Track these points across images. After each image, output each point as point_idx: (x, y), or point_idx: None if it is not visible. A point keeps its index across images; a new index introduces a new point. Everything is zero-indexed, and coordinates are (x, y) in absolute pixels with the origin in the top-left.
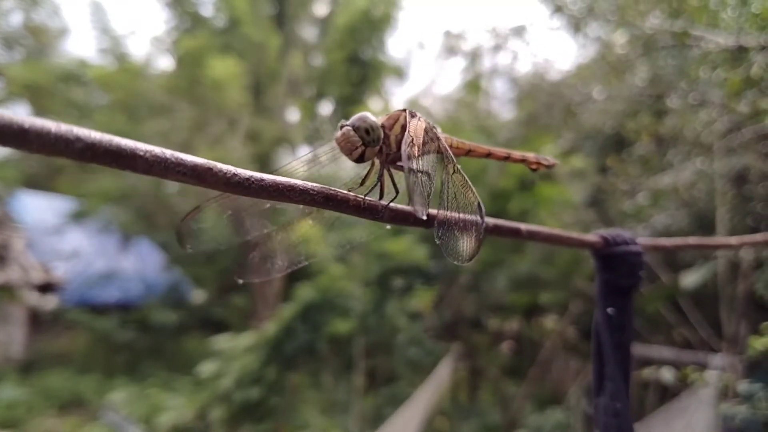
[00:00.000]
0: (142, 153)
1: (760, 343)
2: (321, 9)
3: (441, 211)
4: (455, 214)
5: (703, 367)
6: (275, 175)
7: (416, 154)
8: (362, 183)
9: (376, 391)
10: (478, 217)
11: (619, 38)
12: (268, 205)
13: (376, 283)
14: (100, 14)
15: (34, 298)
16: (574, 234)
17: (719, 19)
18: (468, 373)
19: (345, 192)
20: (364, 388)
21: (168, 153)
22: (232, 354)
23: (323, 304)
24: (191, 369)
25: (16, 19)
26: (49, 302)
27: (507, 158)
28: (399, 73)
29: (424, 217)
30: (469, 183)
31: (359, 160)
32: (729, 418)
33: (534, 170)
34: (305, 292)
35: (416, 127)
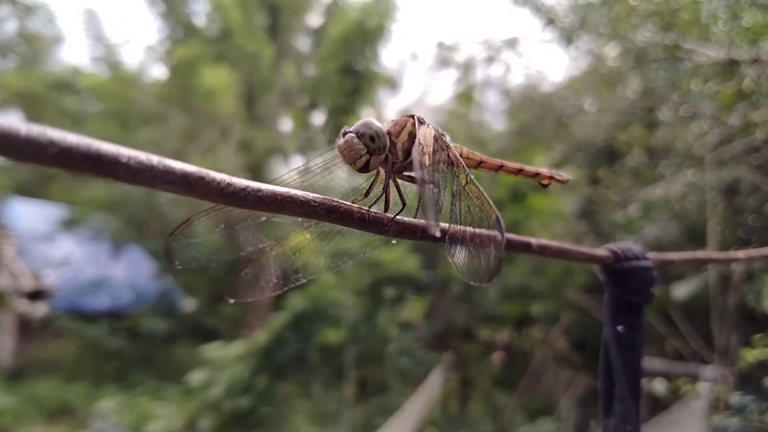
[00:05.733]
0: (125, 160)
1: (752, 355)
2: (315, 20)
3: (452, 226)
4: (470, 229)
5: (694, 378)
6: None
7: (428, 164)
8: (366, 194)
9: (366, 402)
10: (497, 233)
11: (611, 51)
12: (263, 218)
13: (368, 293)
14: (94, 23)
15: (23, 305)
16: (584, 248)
17: (711, 32)
18: (459, 384)
19: (348, 204)
20: (354, 398)
21: (155, 160)
22: (223, 363)
23: (314, 314)
24: (181, 377)
25: (11, 26)
26: (39, 309)
27: (520, 172)
28: (392, 83)
29: (438, 234)
30: (485, 195)
31: (364, 169)
32: (721, 430)
33: (545, 186)
34: (296, 302)
35: (426, 135)
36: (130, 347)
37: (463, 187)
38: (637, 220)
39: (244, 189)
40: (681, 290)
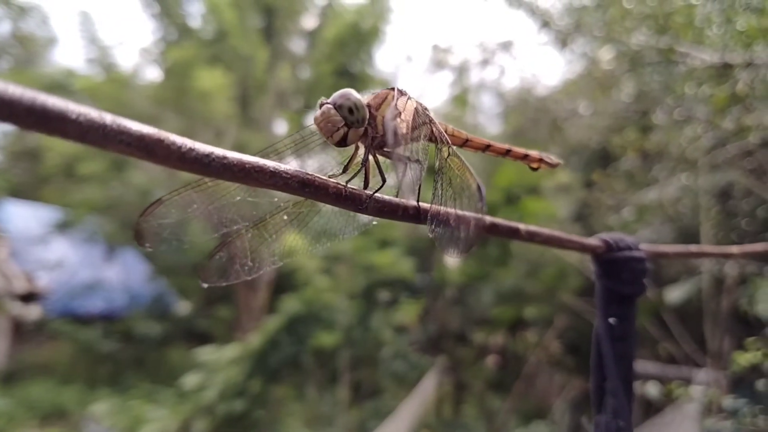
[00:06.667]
0: (74, 116)
1: (745, 358)
2: (309, 22)
3: (434, 203)
4: (451, 204)
5: (687, 382)
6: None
7: (405, 132)
8: (345, 170)
9: (360, 405)
10: (478, 202)
11: (606, 54)
12: (238, 198)
13: (362, 296)
14: (89, 24)
15: (17, 308)
16: (575, 237)
17: (705, 36)
18: (453, 387)
19: (324, 178)
20: (348, 401)
21: (108, 118)
22: (216, 366)
23: (308, 317)
24: (175, 381)
25: (5, 27)
26: (33, 312)
27: (507, 153)
28: (387, 86)
29: (414, 203)
30: (468, 165)
31: (341, 143)
32: None
33: (535, 169)
34: (290, 305)
35: (406, 105)
36: (123, 350)
37: (445, 159)
38: (631, 224)
39: (208, 155)
40: (674, 294)
